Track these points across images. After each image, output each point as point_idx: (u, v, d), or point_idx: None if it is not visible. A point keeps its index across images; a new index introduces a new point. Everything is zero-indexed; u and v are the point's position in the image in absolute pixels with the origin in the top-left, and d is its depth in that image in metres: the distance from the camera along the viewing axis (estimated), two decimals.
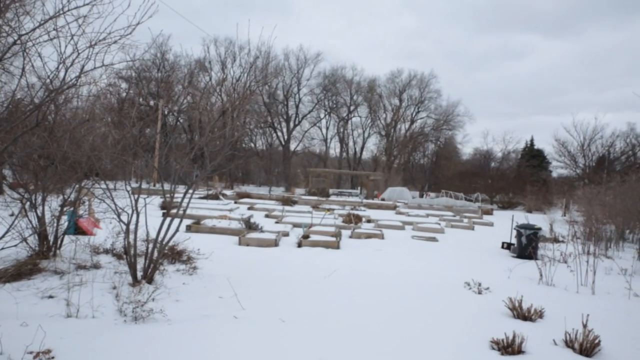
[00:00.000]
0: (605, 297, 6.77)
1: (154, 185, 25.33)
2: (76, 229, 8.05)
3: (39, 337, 3.67)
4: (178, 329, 4.23)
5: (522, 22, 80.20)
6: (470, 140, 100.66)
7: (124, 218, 5.68)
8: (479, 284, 6.79)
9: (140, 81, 40.11)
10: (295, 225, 12.88)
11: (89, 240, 7.26)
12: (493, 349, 4.32)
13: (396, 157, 57.22)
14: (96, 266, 6.03)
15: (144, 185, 8.03)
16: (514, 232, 11.04)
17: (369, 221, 16.22)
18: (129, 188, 5.89)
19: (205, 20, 67.22)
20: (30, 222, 6.10)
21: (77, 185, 6.71)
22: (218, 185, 32.35)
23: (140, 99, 39.12)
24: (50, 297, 4.78)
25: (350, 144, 58.33)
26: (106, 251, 6.74)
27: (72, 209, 7.24)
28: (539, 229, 10.42)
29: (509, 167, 45.95)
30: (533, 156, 45.97)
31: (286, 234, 11.11)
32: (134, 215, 5.65)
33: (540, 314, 5.39)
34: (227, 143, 6.59)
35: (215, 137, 7.14)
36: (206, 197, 20.39)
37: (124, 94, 35.65)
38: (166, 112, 40.36)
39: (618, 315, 5.79)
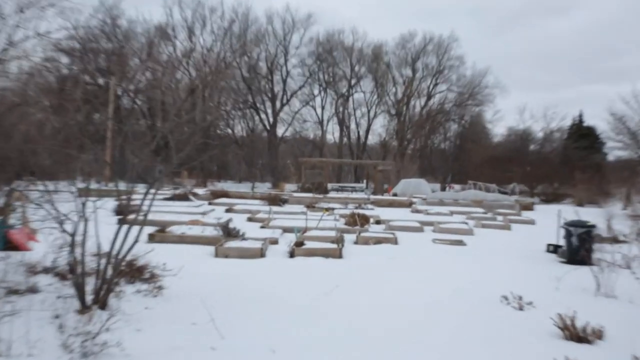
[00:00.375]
0: None
1: (107, 185, 25.15)
2: (6, 244, 7.98)
3: None
4: None
5: None
6: (502, 118, 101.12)
7: (69, 227, 5.60)
8: (520, 298, 6.78)
9: (85, 54, 39.86)
10: (286, 230, 13.01)
11: (24, 257, 7.15)
12: None
13: (410, 142, 57.36)
14: (33, 290, 5.93)
15: (94, 185, 8.05)
16: (562, 232, 11.04)
17: (378, 222, 16.44)
18: (74, 189, 5.82)
19: None
20: None
21: (6, 188, 6.62)
22: (187, 183, 32.29)
23: (87, 77, 38.88)
24: None
25: (353, 126, 58.49)
26: (46, 270, 6.63)
27: (0, 218, 7.16)
28: (593, 226, 10.42)
29: (552, 150, 46.05)
30: (582, 135, 46.08)
31: (275, 242, 11.26)
32: (82, 224, 5.59)
33: (599, 334, 5.37)
34: (198, 129, 6.64)
35: (182, 122, 7.32)
36: (173, 198, 20.44)
37: (65, 71, 35.43)
38: (120, 93, 40.15)
39: None
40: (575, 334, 5.32)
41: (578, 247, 10.15)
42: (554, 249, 11.59)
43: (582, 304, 6.58)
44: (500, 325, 5.82)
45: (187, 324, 5.38)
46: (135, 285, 6.67)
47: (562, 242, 11.13)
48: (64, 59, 34.76)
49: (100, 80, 39.83)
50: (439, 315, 6.14)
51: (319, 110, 57.27)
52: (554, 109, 75.51)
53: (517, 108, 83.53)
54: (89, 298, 5.56)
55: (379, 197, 29.04)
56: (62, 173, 8.32)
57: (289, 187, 36.35)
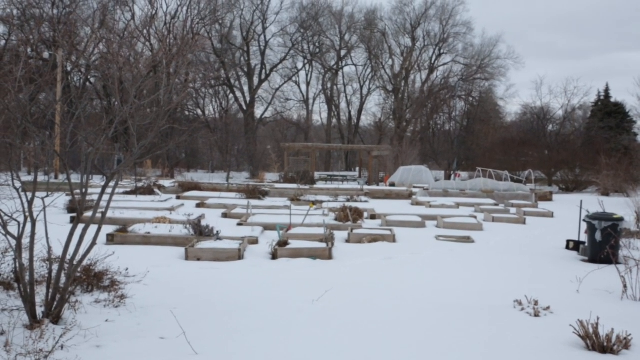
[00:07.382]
0: None
1: (57, 178, 25.10)
2: None
3: None
4: None
5: None
6: (516, 95, 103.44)
7: (13, 229, 5.58)
8: (535, 303, 6.87)
9: (26, 22, 39.35)
10: (267, 227, 13.30)
11: None
12: None
13: (410, 123, 57.68)
14: None
15: (41, 179, 8.02)
16: (584, 226, 11.19)
17: (373, 217, 16.76)
18: (18, 184, 5.77)
19: None
20: None
21: None
22: (151, 174, 32.27)
23: (29, 50, 38.35)
24: None
25: (343, 105, 58.64)
26: None
27: None
28: (621, 219, 10.56)
29: (574, 131, 46.54)
30: (609, 113, 46.57)
31: (254, 241, 11.51)
32: (28, 224, 5.56)
33: (626, 344, 5.46)
34: (162, 112, 6.54)
35: (144, 103, 7.22)
36: (135, 192, 20.62)
37: (2, 43, 34.99)
38: (69, 69, 39.79)
39: None
40: (599, 344, 5.40)
41: (602, 244, 10.29)
42: (574, 245, 11.75)
43: (606, 309, 6.71)
44: (513, 334, 5.89)
45: (155, 338, 5.42)
46: (93, 294, 6.73)
47: (584, 237, 11.30)
48: (0, 28, 34.35)
49: (46, 54, 39.34)
50: (441, 325, 6.19)
51: (303, 87, 57.33)
52: (577, 82, 76.44)
53: (534, 82, 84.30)
54: (39, 310, 5.57)
55: (373, 187, 29.30)
56: (2, 165, 8.23)
57: (270, 177, 36.41)
